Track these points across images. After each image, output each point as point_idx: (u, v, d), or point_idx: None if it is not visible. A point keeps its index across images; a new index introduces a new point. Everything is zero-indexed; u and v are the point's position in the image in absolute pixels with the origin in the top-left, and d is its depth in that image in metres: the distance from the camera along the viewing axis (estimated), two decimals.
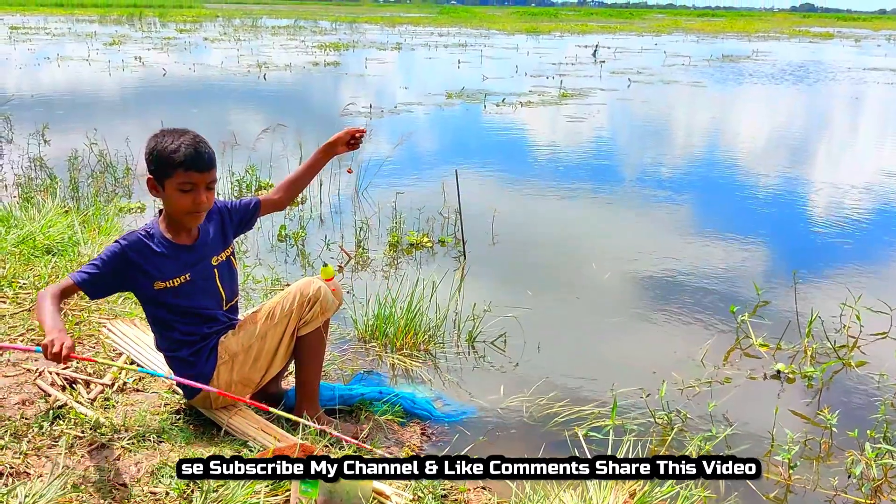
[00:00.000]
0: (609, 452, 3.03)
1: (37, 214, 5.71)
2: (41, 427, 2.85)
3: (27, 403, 3.05)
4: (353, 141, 3.39)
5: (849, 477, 3.13)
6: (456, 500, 2.79)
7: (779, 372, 4.12)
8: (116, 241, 2.86)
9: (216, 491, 2.50)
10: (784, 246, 6.42)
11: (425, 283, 4.72)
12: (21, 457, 2.65)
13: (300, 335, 3.12)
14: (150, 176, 2.88)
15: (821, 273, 5.65)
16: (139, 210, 6.73)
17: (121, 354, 3.51)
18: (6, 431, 2.79)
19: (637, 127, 12.73)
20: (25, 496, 2.31)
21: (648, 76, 20.35)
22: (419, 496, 2.69)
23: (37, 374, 3.25)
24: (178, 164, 2.81)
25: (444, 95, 15.47)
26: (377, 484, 2.62)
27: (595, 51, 27.48)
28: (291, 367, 3.50)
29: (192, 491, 2.51)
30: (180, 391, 3.16)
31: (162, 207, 2.97)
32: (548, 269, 5.84)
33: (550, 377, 4.05)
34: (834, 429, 3.47)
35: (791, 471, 3.19)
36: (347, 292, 5.07)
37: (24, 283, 4.30)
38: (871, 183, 8.75)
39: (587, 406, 3.70)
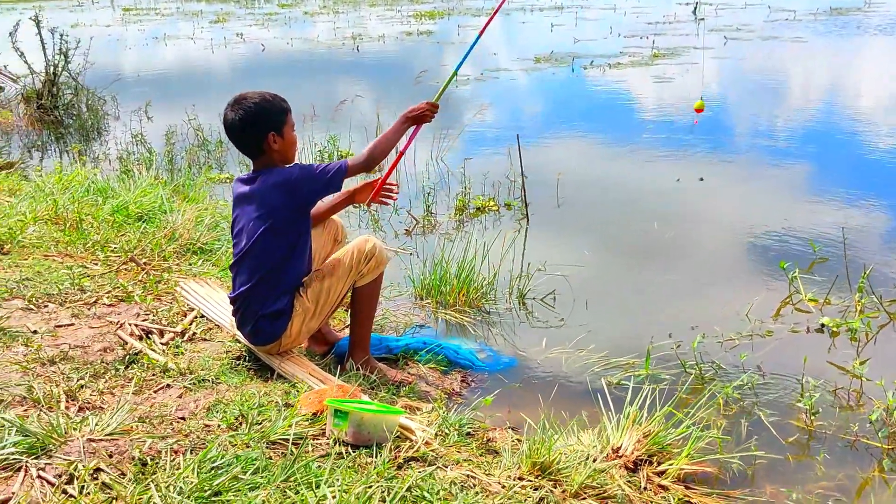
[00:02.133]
0: (629, 399, 3.19)
1: (132, 185, 6.20)
2: (117, 370, 3.25)
3: (108, 351, 3.46)
4: (383, 195, 3.60)
5: (868, 424, 3.21)
6: (480, 437, 3.02)
7: (823, 325, 4.17)
8: (302, 165, 3.42)
9: (259, 423, 2.82)
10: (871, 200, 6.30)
11: (480, 244, 4.95)
12: (98, 394, 3.05)
13: (357, 286, 3.44)
14: (272, 132, 3.27)
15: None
16: (228, 180, 7.18)
17: (192, 310, 3.89)
18: (87, 373, 3.19)
19: (726, 86, 12.48)
20: (96, 424, 2.69)
21: (748, 32, 19.71)
22: (445, 432, 2.94)
23: (118, 325, 3.66)
24: (288, 109, 3.37)
25: (532, 60, 15.48)
26: (403, 419, 2.89)
27: (695, 7, 26.69)
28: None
29: (241, 423, 2.84)
30: (242, 340, 3.50)
31: (265, 165, 3.33)
32: (610, 229, 5.96)
33: (593, 331, 4.22)
34: (865, 378, 3.54)
35: (813, 417, 3.30)
36: (410, 254, 5.35)
37: (114, 248, 4.76)
38: None
39: (624, 357, 3.88)
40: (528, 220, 6.08)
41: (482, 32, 4.25)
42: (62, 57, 10.96)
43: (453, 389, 3.60)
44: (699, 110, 4.91)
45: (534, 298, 4.65)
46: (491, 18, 4.29)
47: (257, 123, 3.28)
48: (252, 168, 3.40)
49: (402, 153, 3.82)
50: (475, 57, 15.09)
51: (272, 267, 3.26)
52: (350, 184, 3.55)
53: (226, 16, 32.25)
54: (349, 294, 3.45)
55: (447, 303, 4.51)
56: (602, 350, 3.98)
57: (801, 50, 16.63)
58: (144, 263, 4.56)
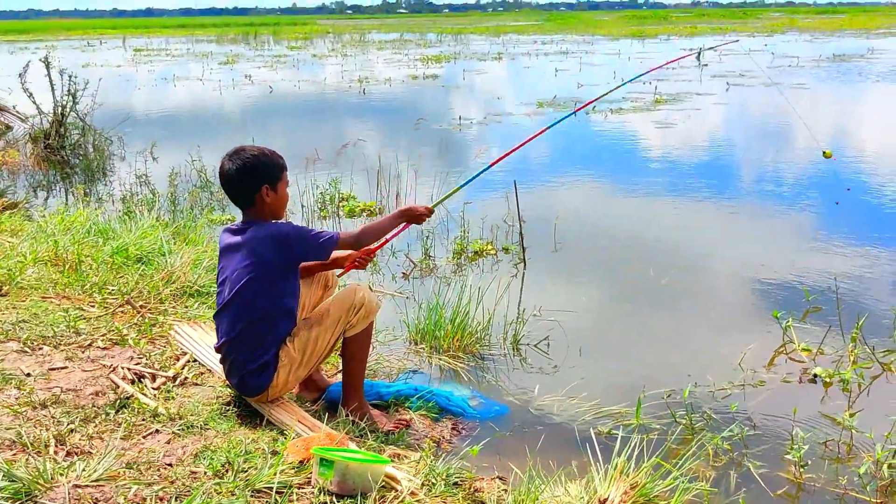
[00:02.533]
0: (618, 449, 3.19)
1: (133, 227, 6.26)
2: (107, 414, 3.27)
3: (99, 394, 3.47)
4: (358, 261, 3.69)
5: (857, 477, 3.20)
6: (467, 487, 3.02)
7: (815, 376, 4.17)
8: (296, 225, 3.43)
9: (245, 471, 2.83)
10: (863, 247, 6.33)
11: (476, 289, 4.98)
12: (87, 439, 3.06)
13: (347, 336, 3.45)
14: (266, 185, 3.32)
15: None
16: (230, 221, 7.24)
17: (185, 354, 3.92)
18: (77, 417, 3.21)
19: (727, 132, 12.59)
20: (83, 470, 2.70)
21: (750, 79, 19.93)
22: (431, 482, 2.94)
23: (111, 369, 3.68)
24: (284, 166, 3.44)
25: (535, 104, 15.65)
26: (390, 469, 2.89)
27: (699, 54, 26.94)
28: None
29: (227, 471, 2.84)
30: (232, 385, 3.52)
31: (256, 217, 3.37)
32: (606, 274, 6.00)
33: (586, 379, 4.23)
34: (854, 430, 3.53)
35: (802, 469, 3.28)
36: (407, 297, 5.37)
37: (112, 290, 4.80)
38: None
39: (615, 406, 3.88)
40: (524, 265, 6.11)
41: (494, 164, 4.50)
42: (70, 98, 11.12)
43: (443, 437, 3.59)
44: (829, 156, 5.38)
45: (528, 344, 4.66)
46: (508, 153, 4.54)
47: (253, 174, 3.33)
48: (241, 219, 3.43)
49: (385, 241, 3.92)
50: (479, 101, 15.48)
51: (255, 318, 3.26)
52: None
53: (235, 57, 32.76)
54: (339, 341, 3.46)
55: (441, 348, 4.52)
56: (594, 398, 3.97)
57: (803, 96, 16.77)
58: (140, 306, 4.59)
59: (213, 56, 34.05)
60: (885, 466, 3.20)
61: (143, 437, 3.12)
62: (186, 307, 4.73)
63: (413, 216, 3.62)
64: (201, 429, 3.20)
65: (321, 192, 7.94)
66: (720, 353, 4.49)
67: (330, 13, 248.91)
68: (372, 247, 3.67)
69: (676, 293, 5.49)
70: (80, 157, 10.98)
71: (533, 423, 3.79)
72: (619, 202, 8.08)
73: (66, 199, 8.60)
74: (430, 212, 3.67)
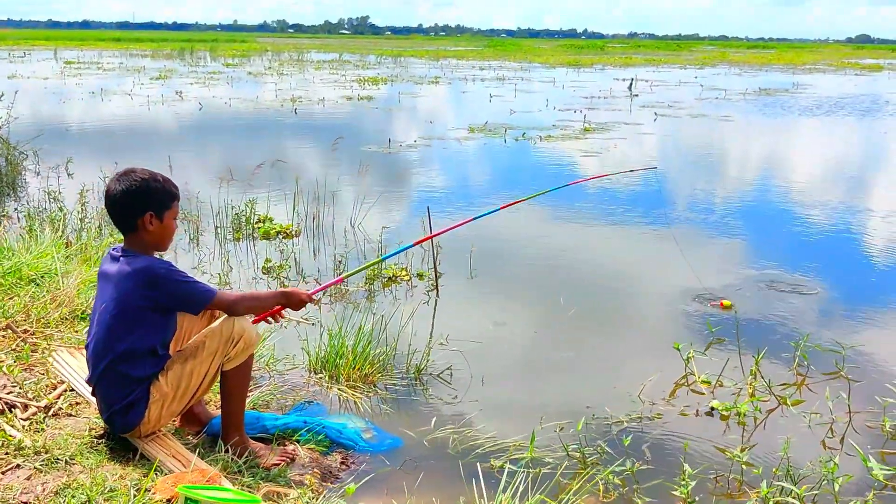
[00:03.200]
0: (503, 485, 3.12)
1: (33, 246, 6.00)
2: None
3: None
4: (271, 317, 3.55)
5: None
6: None
7: (712, 409, 4.17)
8: (172, 267, 3.17)
9: None
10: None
11: (382, 316, 4.90)
12: None
13: (225, 370, 3.29)
14: (151, 212, 3.14)
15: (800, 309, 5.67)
16: None
17: (63, 382, 3.73)
18: None
19: (649, 161, 12.73)
20: None
21: (678, 110, 20.35)
22: None
23: None
24: (176, 196, 3.26)
25: (466, 130, 15.70)
26: None
27: (631, 84, 27.52)
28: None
29: None
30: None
31: (135, 245, 3.19)
32: (518, 302, 5.97)
33: (485, 410, 4.16)
34: (744, 465, 3.52)
35: None
36: (312, 324, 5.24)
37: None
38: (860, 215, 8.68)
39: (510, 439, 3.81)
40: (437, 292, 6.03)
41: (418, 243, 4.79)
42: None
43: (331, 472, 3.47)
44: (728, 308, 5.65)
45: (430, 374, 4.58)
46: (423, 240, 4.95)
47: (138, 199, 3.15)
48: (123, 244, 3.26)
49: (258, 319, 3.59)
50: (412, 123, 15.40)
51: (115, 358, 3.07)
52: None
53: (168, 73, 32.24)
54: (217, 374, 3.30)
55: (341, 377, 4.40)
56: (491, 430, 3.90)
57: (727, 128, 17.20)
58: (24, 331, 4.37)
59: (146, 71, 33.43)
60: (770, 501, 3.19)
61: (3, 473, 2.94)
62: (76, 331, 4.52)
63: (293, 302, 3.46)
64: (66, 463, 3.02)
65: (236, 214, 7.76)
66: (622, 385, 4.46)
67: (271, 31, 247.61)
68: (265, 313, 3.52)
69: (584, 323, 5.47)
70: None
71: (426, 457, 3.69)
72: (539, 229, 8.08)
73: None
74: (309, 300, 3.50)
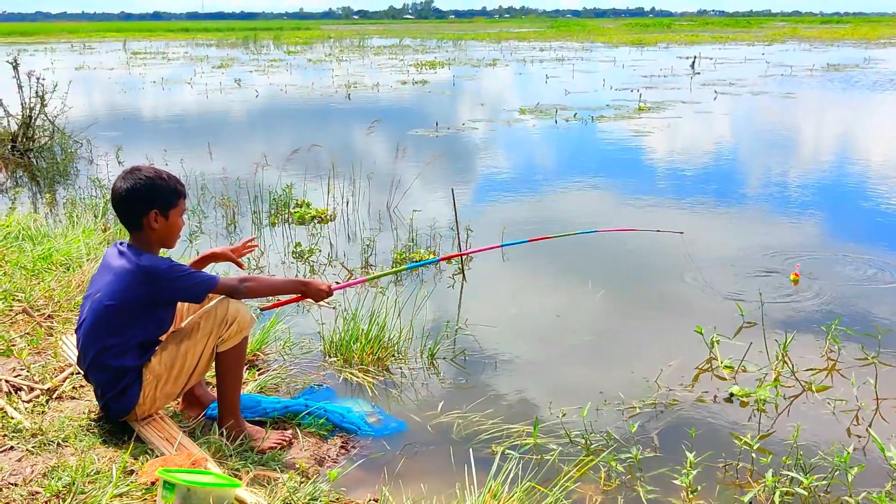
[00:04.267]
0: (494, 472, 3.05)
1: (69, 231, 6.13)
2: None
3: None
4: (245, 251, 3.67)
5: None
6: None
7: (731, 395, 4.01)
8: (174, 263, 3.20)
9: (84, 493, 2.68)
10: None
11: (402, 300, 4.86)
12: None
13: (219, 351, 3.29)
14: (156, 210, 3.16)
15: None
16: None
17: (71, 365, 3.78)
18: None
19: (698, 140, 12.38)
20: None
21: (739, 87, 19.76)
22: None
23: None
24: (182, 193, 3.27)
25: (517, 111, 15.53)
26: (241, 492, 2.74)
27: (693, 62, 26.86)
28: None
29: (68, 492, 2.70)
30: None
31: (140, 242, 3.20)
32: (544, 287, 5.85)
33: (495, 395, 4.08)
34: (755, 453, 3.37)
35: (692, 496, 3.13)
36: (334, 308, 5.22)
37: (20, 297, 4.65)
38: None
39: (517, 424, 3.72)
40: (464, 276, 5.95)
41: (443, 259, 5.54)
42: (39, 100, 11.00)
43: (328, 456, 3.44)
44: (795, 282, 5.60)
45: (444, 358, 4.51)
46: (448, 257, 5.69)
47: (143, 197, 3.16)
48: (129, 239, 3.28)
49: (275, 304, 3.91)
50: (463, 106, 15.38)
51: (105, 346, 3.08)
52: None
53: (230, 61, 32.72)
54: (213, 356, 3.29)
55: (352, 361, 4.37)
56: (498, 416, 3.82)
57: (789, 105, 16.64)
58: (47, 315, 4.45)
59: (209, 60, 34.01)
60: (776, 494, 3.04)
61: None
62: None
63: (311, 292, 3.45)
64: (58, 446, 3.06)
65: (274, 198, 7.81)
66: (641, 370, 4.32)
67: (336, 18, 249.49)
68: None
69: (610, 307, 5.34)
70: (47, 160, 10.86)
71: (427, 442, 3.64)
72: (572, 212, 7.92)
73: (32, 202, 8.49)
74: (329, 293, 3.49)
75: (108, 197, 7.73)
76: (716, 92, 18.63)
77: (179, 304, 3.37)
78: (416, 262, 5.91)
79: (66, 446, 3.07)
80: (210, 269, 3.56)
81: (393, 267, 6.06)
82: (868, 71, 24.63)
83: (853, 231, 7.00)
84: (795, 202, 8.12)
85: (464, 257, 6.10)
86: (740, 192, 8.69)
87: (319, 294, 3.46)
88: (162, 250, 3.35)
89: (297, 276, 5.93)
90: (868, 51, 36.02)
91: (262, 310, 4.46)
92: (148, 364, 3.16)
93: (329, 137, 12.23)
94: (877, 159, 10.76)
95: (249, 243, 3.71)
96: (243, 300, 3.34)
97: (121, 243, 3.25)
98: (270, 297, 3.89)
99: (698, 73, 24.02)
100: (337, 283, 4.37)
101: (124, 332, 3.10)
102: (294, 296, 3.55)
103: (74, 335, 3.94)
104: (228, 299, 3.24)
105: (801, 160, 10.74)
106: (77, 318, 4.21)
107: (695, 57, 28.45)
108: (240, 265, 3.68)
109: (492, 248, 5.25)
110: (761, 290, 4.93)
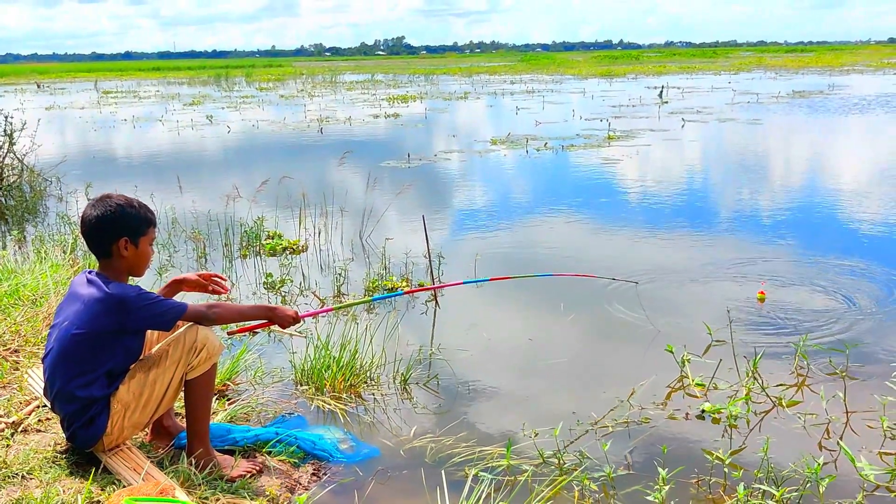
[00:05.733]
0: (465, 493, 3.03)
1: (37, 267, 6.07)
2: None
3: None
4: (211, 287, 3.61)
5: None
6: None
7: (703, 412, 4.03)
8: (143, 290, 3.16)
9: None
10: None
11: (374, 327, 4.86)
12: None
13: (189, 379, 3.25)
14: (126, 238, 3.15)
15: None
16: None
17: (36, 398, 3.72)
18: None
19: (665, 167, 12.53)
20: None
21: (706, 115, 20.06)
22: None
23: None
24: (152, 222, 3.27)
25: (488, 142, 15.64)
26: None
27: (661, 91, 27.26)
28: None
29: None
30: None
31: (109, 270, 3.19)
32: (517, 311, 5.86)
33: (468, 418, 4.07)
34: (727, 468, 3.38)
35: None
36: (305, 337, 5.19)
37: None
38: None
39: (490, 447, 3.71)
40: (436, 303, 5.95)
41: (409, 292, 5.88)
42: (7, 138, 10.93)
43: (300, 483, 3.40)
44: (761, 300, 5.72)
45: (417, 384, 4.49)
46: (416, 290, 6.04)
47: (113, 225, 3.15)
48: (98, 268, 3.26)
49: (241, 329, 3.97)
50: (435, 138, 15.55)
51: (73, 375, 3.04)
52: None
53: (202, 98, 32.76)
54: (181, 384, 3.26)
55: (323, 388, 4.34)
56: (472, 439, 3.81)
57: (756, 130, 16.91)
58: (12, 350, 4.39)
59: (181, 97, 34.03)
60: None
61: None
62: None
63: (278, 318, 3.44)
64: (22, 478, 3.01)
65: (245, 231, 7.78)
66: (613, 390, 4.32)
67: (308, 55, 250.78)
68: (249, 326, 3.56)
69: (581, 330, 5.35)
70: (16, 198, 10.77)
71: (400, 466, 3.61)
72: (542, 238, 7.98)
73: (0, 239, 8.42)
74: (296, 319, 3.48)
75: (78, 233, 7.73)
76: (683, 120, 18.89)
77: (148, 332, 3.34)
78: (383, 294, 5.93)
79: (31, 478, 3.03)
80: (178, 298, 3.54)
81: (365, 295, 6.05)
82: (832, 97, 25.13)
83: (820, 250, 7.08)
84: (763, 224, 8.24)
85: (433, 284, 6.11)
86: (707, 216, 8.79)
87: (286, 320, 3.45)
88: (131, 279, 3.33)
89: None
90: (832, 77, 36.78)
91: (228, 334, 4.44)
92: (116, 393, 3.12)
93: (301, 170, 12.23)
94: (844, 178, 10.97)
95: (216, 278, 3.65)
96: (212, 327, 3.32)
97: (89, 272, 3.22)
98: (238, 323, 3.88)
99: (666, 102, 24.37)
100: (313, 303, 4.37)
101: (92, 361, 3.07)
102: (261, 321, 3.53)
103: (41, 368, 3.90)
104: (197, 326, 3.21)
105: (768, 182, 10.90)
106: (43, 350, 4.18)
107: (662, 87, 28.89)
108: (208, 290, 3.65)
109: (455, 284, 5.32)
110: (729, 309, 4.95)
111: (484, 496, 3.05)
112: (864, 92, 27.28)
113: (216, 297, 3.89)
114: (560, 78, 44.48)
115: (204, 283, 3.59)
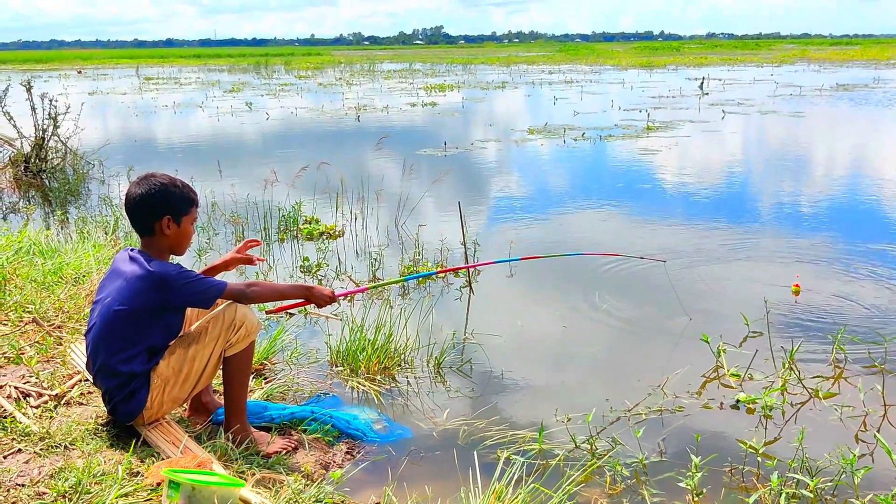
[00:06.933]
0: (497, 474, 3.05)
1: (80, 247, 6.19)
2: None
3: None
4: (246, 255, 3.68)
5: None
6: None
7: (738, 402, 4.00)
8: (183, 269, 3.21)
9: (90, 493, 2.70)
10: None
11: (409, 311, 4.89)
12: None
13: (227, 356, 3.31)
14: (168, 216, 3.21)
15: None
16: None
17: (79, 372, 3.81)
18: None
19: (705, 157, 12.40)
20: None
21: (748, 107, 19.80)
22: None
23: None
24: (195, 202, 3.33)
25: (525, 132, 15.59)
26: (245, 492, 2.76)
27: (702, 83, 26.93)
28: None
29: (75, 492, 2.72)
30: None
31: (151, 248, 3.26)
32: (552, 299, 5.85)
33: (501, 403, 4.09)
34: (761, 457, 3.36)
35: (698, 497, 3.12)
36: (339, 319, 5.24)
37: (30, 309, 4.70)
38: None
39: (522, 431, 3.72)
40: (471, 288, 5.97)
41: (441, 272, 6.02)
42: (51, 121, 11.12)
43: (334, 461, 3.45)
44: (796, 293, 5.64)
45: (450, 368, 4.52)
46: (450, 269, 6.15)
47: (157, 203, 3.21)
48: (140, 245, 3.32)
49: (280, 308, 3.98)
50: (472, 127, 15.55)
51: (115, 350, 3.11)
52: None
53: (241, 86, 33.02)
54: (220, 361, 3.32)
55: (358, 370, 4.39)
56: (504, 423, 3.83)
57: (796, 124, 16.64)
58: (56, 325, 4.49)
59: (221, 84, 34.35)
60: (781, 497, 3.02)
61: (3, 457, 3.01)
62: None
63: (315, 297, 3.48)
64: (65, 449, 3.08)
65: (284, 215, 7.86)
66: (647, 378, 4.31)
67: (347, 44, 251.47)
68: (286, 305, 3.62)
69: (616, 316, 5.32)
70: (59, 180, 10.96)
71: (433, 448, 3.64)
72: (579, 227, 7.95)
73: (44, 220, 8.57)
74: (332, 299, 3.51)
75: (119, 214, 7.86)
76: (724, 111, 18.66)
77: (188, 309, 3.40)
78: (415, 274, 5.96)
79: (73, 449, 3.10)
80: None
81: (390, 285, 6.09)
82: (877, 90, 24.65)
83: (859, 242, 6.97)
84: (802, 215, 8.13)
85: (471, 270, 6.13)
86: (747, 208, 8.70)
87: (323, 299, 3.48)
88: (172, 257, 3.39)
89: None
90: (877, 71, 36.04)
91: (266, 314, 4.50)
92: (156, 368, 3.18)
93: (339, 157, 12.31)
94: (886, 170, 10.78)
95: (251, 243, 3.72)
96: (250, 306, 3.37)
97: (131, 249, 3.29)
98: (276, 302, 3.92)
99: (707, 94, 24.08)
100: (349, 286, 4.42)
101: (133, 337, 3.14)
102: (299, 300, 3.58)
103: (83, 343, 3.98)
104: (236, 304, 3.27)
105: (810, 176, 10.75)
106: (86, 325, 4.27)
107: (703, 78, 28.53)
108: (251, 261, 3.70)
109: (487, 263, 5.42)
110: (766, 299, 4.90)
111: (515, 478, 3.07)
112: None
113: (259, 269, 3.92)
114: (599, 68, 44.13)
115: (241, 258, 3.64)
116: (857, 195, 9.35)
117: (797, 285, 5.62)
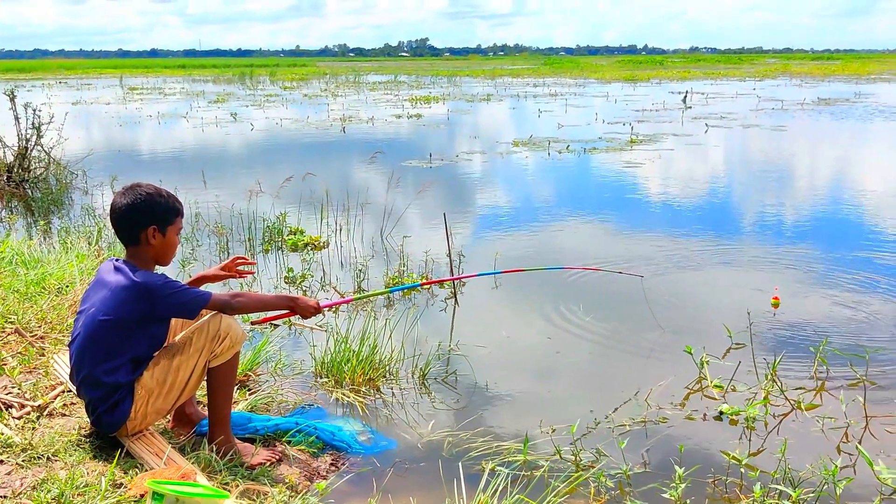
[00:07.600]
0: (482, 486, 3.06)
1: (63, 257, 6.16)
2: None
3: None
4: (236, 271, 3.71)
5: None
6: None
7: (721, 413, 4.03)
8: (168, 279, 3.20)
9: None
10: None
11: (394, 322, 4.89)
12: None
13: (212, 367, 3.30)
14: (154, 226, 3.20)
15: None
16: None
17: (62, 383, 3.78)
18: None
19: (687, 171, 12.49)
20: None
21: (730, 121, 19.96)
22: None
23: None
24: (180, 212, 3.32)
25: (510, 144, 15.66)
26: (229, 503, 2.74)
27: (685, 97, 27.14)
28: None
29: (56, 503, 2.70)
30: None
31: (136, 258, 3.24)
32: (536, 310, 5.85)
33: (486, 414, 4.10)
34: (744, 468, 3.38)
35: None
36: (325, 331, 5.23)
37: (12, 319, 4.66)
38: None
39: (507, 442, 3.73)
40: (456, 300, 5.98)
41: (426, 284, 5.88)
42: (35, 131, 11.07)
43: (318, 472, 3.44)
44: (775, 306, 5.66)
45: (435, 379, 4.52)
46: (434, 282, 6.12)
47: (143, 213, 3.20)
48: (125, 255, 3.31)
49: (264, 319, 4.02)
50: (457, 139, 15.59)
51: (99, 360, 3.09)
52: None
53: (226, 96, 32.97)
54: (204, 372, 3.31)
55: (345, 381, 4.38)
56: (489, 434, 3.84)
57: (778, 137, 16.80)
58: (38, 336, 4.46)
59: (206, 95, 34.28)
60: None
61: None
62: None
63: (300, 308, 3.48)
64: (48, 460, 3.06)
65: (268, 225, 7.85)
66: (631, 390, 4.33)
67: (332, 56, 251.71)
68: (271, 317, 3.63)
69: (600, 329, 5.34)
70: (42, 190, 10.91)
71: (417, 459, 3.64)
72: (563, 240, 7.99)
73: (27, 230, 8.52)
74: (317, 310, 3.52)
75: (102, 225, 7.83)
76: (707, 125, 18.81)
77: (173, 320, 3.39)
78: (401, 285, 5.98)
79: (56, 460, 3.08)
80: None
81: (374, 296, 6.09)
82: (858, 104, 24.92)
83: (841, 256, 7.04)
84: (783, 228, 8.21)
85: (456, 282, 6.14)
86: (728, 220, 8.77)
87: (308, 310, 3.49)
88: (157, 267, 3.38)
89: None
90: (858, 86, 36.43)
91: (251, 325, 4.50)
92: (140, 379, 3.17)
93: (324, 168, 12.33)
94: (867, 185, 10.90)
95: (239, 260, 3.72)
96: (235, 316, 3.36)
97: (116, 259, 3.28)
98: (261, 313, 3.93)
99: (690, 108, 24.25)
100: (334, 297, 4.42)
101: (118, 348, 3.12)
102: (284, 311, 3.58)
103: (66, 353, 3.96)
104: (221, 315, 3.26)
105: (789, 188, 10.85)
106: (69, 336, 4.24)
107: (686, 92, 28.76)
108: (234, 276, 3.71)
109: (470, 276, 5.45)
110: (749, 311, 4.93)
111: (500, 490, 3.07)
112: (892, 100, 27.01)
113: (243, 281, 3.93)
114: (583, 81, 44.36)
115: (228, 274, 3.65)
116: (839, 207, 9.45)
117: (776, 297, 5.66)
